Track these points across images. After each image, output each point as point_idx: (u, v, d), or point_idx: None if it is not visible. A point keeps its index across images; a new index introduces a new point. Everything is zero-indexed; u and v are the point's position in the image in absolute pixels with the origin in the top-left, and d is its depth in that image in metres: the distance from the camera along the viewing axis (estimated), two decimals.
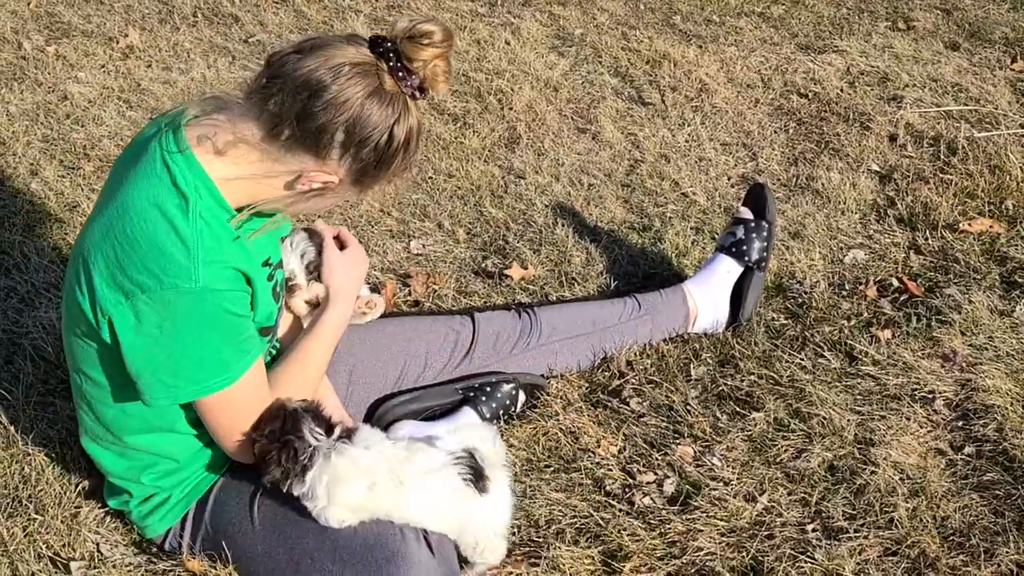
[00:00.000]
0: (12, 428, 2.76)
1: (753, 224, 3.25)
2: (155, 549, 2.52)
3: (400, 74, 2.07)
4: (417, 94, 2.11)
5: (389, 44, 2.07)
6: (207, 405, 2.24)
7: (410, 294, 3.40)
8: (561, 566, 2.51)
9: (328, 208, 2.31)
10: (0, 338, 3.10)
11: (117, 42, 4.90)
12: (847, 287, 3.44)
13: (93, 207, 2.32)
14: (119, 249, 2.10)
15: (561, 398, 3.00)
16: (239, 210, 2.19)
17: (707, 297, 3.22)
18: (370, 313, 2.82)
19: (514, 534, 2.61)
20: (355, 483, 2.21)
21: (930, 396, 2.99)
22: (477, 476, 2.31)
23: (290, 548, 2.32)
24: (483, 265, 3.56)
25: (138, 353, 2.15)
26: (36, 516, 2.53)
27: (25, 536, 2.48)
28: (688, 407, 2.97)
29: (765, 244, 3.24)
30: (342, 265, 2.54)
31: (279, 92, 2.06)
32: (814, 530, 2.62)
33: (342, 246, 2.58)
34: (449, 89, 4.52)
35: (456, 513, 2.31)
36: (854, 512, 2.66)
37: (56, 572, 2.42)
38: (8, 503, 2.58)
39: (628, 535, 2.59)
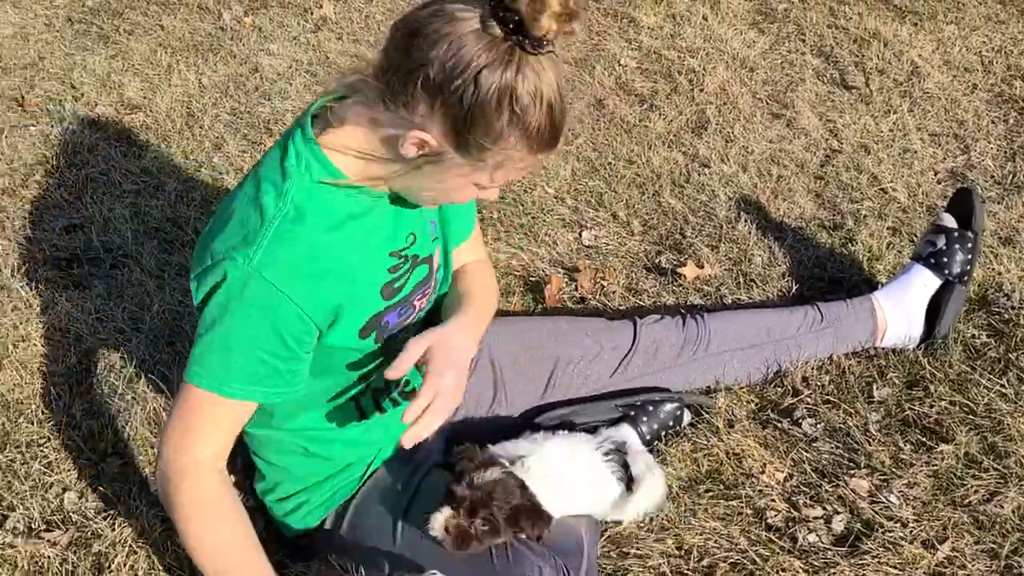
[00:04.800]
0: (165, 414, 2.76)
1: (956, 234, 2.93)
2: (291, 549, 2.47)
3: (502, 14, 1.77)
4: (525, 42, 1.78)
5: None
6: (185, 392, 2.04)
7: (576, 290, 3.24)
8: None
9: (460, 192, 2.02)
10: (165, 318, 3.12)
11: (311, 13, 4.89)
12: None
13: None
14: (215, 223, 2.01)
15: (727, 414, 2.78)
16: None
17: (899, 311, 2.92)
18: None
19: (662, 563, 2.43)
20: None
21: None
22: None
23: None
24: (656, 261, 3.36)
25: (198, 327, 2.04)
26: None
27: (164, 529, 2.46)
28: (867, 433, 2.70)
29: (969, 257, 2.91)
30: None
31: (391, 43, 1.88)
32: None
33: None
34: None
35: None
36: None
37: (192, 567, 2.39)
38: (155, 491, 2.57)
39: None
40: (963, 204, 2.98)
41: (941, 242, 2.94)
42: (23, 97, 4.24)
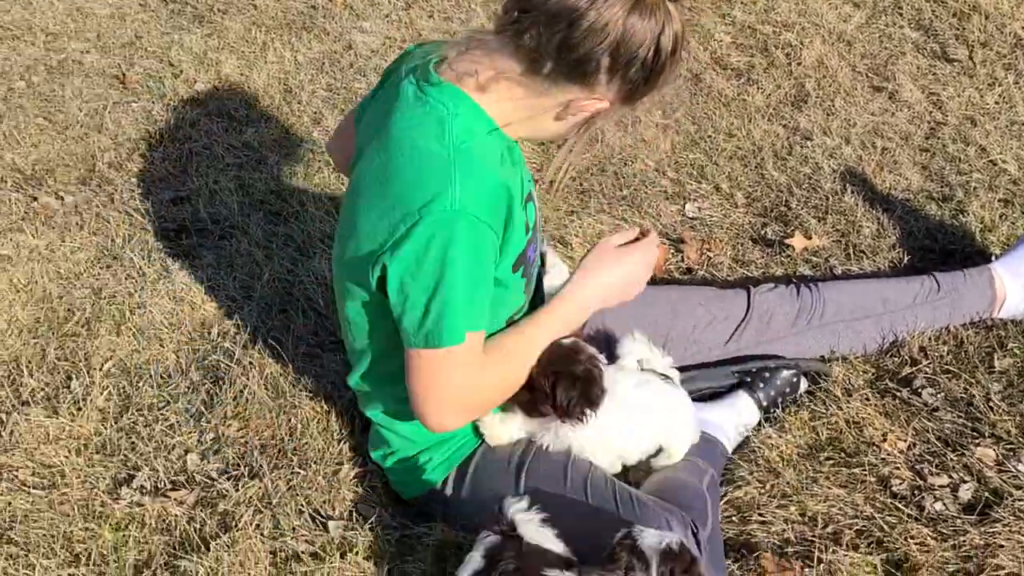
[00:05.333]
0: (281, 379, 2.79)
1: None
2: (412, 512, 2.48)
3: None
4: None
5: None
6: (431, 358, 2.06)
7: (683, 260, 3.22)
8: (838, 572, 2.29)
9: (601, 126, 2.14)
10: (275, 287, 3.15)
11: None
12: None
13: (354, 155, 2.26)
14: (380, 188, 2.02)
15: (844, 383, 2.75)
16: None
17: (1018, 281, 2.87)
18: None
19: (787, 529, 2.41)
20: None
21: None
22: None
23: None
24: (762, 232, 3.33)
25: (396, 298, 2.03)
26: (299, 470, 2.54)
27: (288, 490, 2.49)
28: (990, 403, 2.66)
29: None
30: (607, 262, 2.31)
31: (533, 25, 1.93)
32: None
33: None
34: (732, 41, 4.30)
35: None
36: None
37: (315, 529, 2.41)
38: (275, 454, 2.60)
39: (916, 544, 2.34)
40: None
41: None
42: (124, 75, 4.30)
